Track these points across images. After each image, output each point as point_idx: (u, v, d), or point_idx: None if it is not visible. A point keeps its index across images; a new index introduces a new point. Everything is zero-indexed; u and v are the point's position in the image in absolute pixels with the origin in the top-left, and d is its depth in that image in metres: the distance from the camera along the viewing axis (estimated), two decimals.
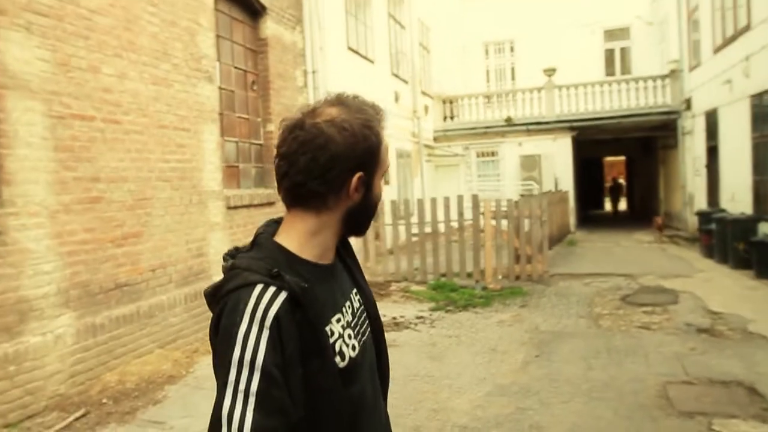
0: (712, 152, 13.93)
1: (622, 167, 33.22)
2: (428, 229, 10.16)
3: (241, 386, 1.04)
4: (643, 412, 4.52)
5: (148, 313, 5.94)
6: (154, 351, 5.94)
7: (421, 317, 7.73)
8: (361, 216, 1.26)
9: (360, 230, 1.30)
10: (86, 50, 5.37)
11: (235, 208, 7.52)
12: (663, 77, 16.95)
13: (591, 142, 21.77)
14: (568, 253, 13.70)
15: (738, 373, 5.24)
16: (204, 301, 7.66)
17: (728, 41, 12.39)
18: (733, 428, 4.19)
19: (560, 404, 4.74)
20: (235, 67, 7.99)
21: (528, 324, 7.30)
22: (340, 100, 1.21)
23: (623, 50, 20.09)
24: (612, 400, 4.78)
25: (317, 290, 1.17)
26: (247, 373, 1.04)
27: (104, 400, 4.96)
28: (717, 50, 13.17)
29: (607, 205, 30.56)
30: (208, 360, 6.04)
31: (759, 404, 4.58)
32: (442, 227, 10.17)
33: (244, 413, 1.02)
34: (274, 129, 8.63)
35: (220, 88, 7.52)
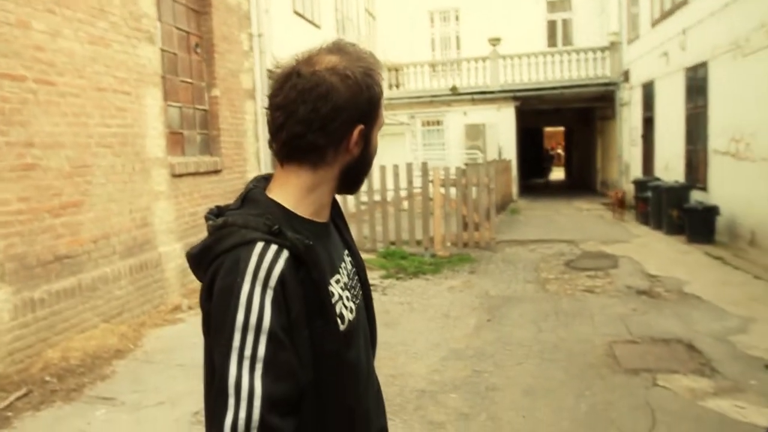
0: (648, 123, 14.45)
1: (562, 137, 34.11)
2: (377, 198, 10.14)
3: (247, 352, 0.99)
4: (592, 371, 4.70)
5: (90, 286, 5.68)
6: (99, 325, 5.71)
7: (372, 285, 7.66)
8: (358, 172, 1.21)
9: (355, 187, 1.25)
10: (14, 3, 4.96)
11: (180, 176, 7.25)
12: (603, 49, 17.36)
13: (533, 113, 22.20)
14: (512, 221, 14.01)
15: (677, 332, 5.52)
16: (149, 272, 7.38)
17: (666, 15, 12.77)
18: (675, 382, 4.42)
19: (514, 366, 4.87)
20: (178, 28, 7.62)
21: (478, 290, 7.44)
22: (338, 47, 1.14)
23: (565, 22, 20.40)
24: (562, 360, 4.94)
25: (319, 248, 1.11)
26: (252, 338, 0.99)
27: (47, 378, 4.73)
28: (655, 23, 13.56)
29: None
30: (157, 333, 5.88)
31: (697, 360, 4.85)
32: (390, 195, 10.17)
33: (252, 381, 0.97)
34: (220, 94, 8.33)
35: (162, 50, 7.15)
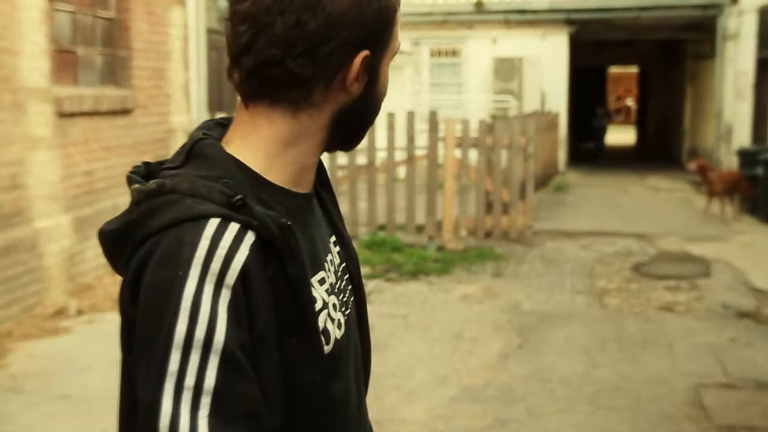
0: (765, 67, 14.48)
1: (633, 83, 34.29)
2: (361, 160, 10.13)
3: (189, 380, 0.97)
4: (669, 426, 4.75)
5: None
6: None
7: None
8: (359, 120, 1.22)
9: (352, 141, 1.26)
10: None
11: (72, 115, 7.21)
12: None
13: (593, 45, 22.23)
14: (557, 201, 14.05)
15: None
16: (20, 259, 7.36)
17: None
18: None
19: (555, 414, 4.91)
20: None
21: (505, 301, 7.49)
22: None
23: None
24: (626, 409, 5.00)
25: (298, 232, 1.10)
26: (198, 360, 0.98)
27: None
28: None
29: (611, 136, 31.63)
30: (30, 349, 5.85)
31: None
32: (381, 158, 10.20)
33: (195, 423, 0.96)
34: None
35: None
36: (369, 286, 7.92)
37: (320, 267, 1.19)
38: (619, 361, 5.84)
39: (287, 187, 1.16)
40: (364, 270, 8.47)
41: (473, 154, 10.25)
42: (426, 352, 6.03)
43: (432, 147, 9.82)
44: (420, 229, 9.93)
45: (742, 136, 15.37)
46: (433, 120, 9.80)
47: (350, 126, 1.20)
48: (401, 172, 10.98)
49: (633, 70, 32.96)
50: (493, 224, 10.13)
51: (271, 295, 1.05)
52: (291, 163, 1.16)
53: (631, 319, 6.92)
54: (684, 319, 6.96)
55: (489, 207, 10.21)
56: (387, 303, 7.39)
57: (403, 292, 7.80)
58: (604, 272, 8.70)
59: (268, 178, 1.14)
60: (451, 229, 9.82)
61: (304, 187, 1.20)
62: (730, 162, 15.28)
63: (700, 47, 19.51)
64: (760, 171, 11.96)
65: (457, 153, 9.95)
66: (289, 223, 1.07)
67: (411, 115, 9.87)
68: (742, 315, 7.05)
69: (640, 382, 5.43)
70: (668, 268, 8.93)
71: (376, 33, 1.15)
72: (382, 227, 9.98)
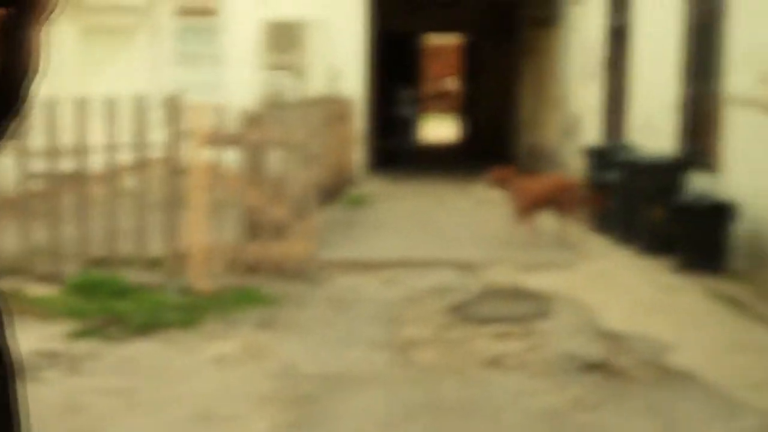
0: (618, 38, 15.44)
1: (455, 58, 35.36)
2: (67, 166, 9.85)
3: None
4: None
5: None
6: None
7: (50, 353, 7.55)
8: None
9: None
10: None
11: None
12: None
13: (403, 6, 22.77)
14: (351, 221, 14.28)
15: None
16: None
17: None
18: None
19: None
20: None
21: (275, 362, 7.51)
22: None
23: None
24: None
25: None
26: None
27: None
28: None
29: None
30: None
31: None
32: (98, 163, 9.94)
33: None
34: None
35: None
36: (76, 349, 7.73)
37: None
38: None
39: None
40: (70, 326, 8.25)
41: (233, 156, 10.18)
42: None
43: (172, 146, 9.69)
44: (155, 263, 9.79)
45: (593, 130, 16.25)
46: (172, 107, 9.70)
47: None
48: (128, 182, 10.75)
49: (457, 40, 33.82)
50: (261, 254, 10.12)
51: None
52: None
53: (449, 380, 7.09)
54: (516, 376, 7.23)
55: (256, 230, 10.20)
56: (105, 373, 7.20)
57: (129, 355, 7.63)
58: (413, 317, 8.89)
59: None
60: (201, 262, 9.73)
61: None
62: (577, 164, 16.12)
63: (540, 11, 20.48)
64: (614, 175, 12.69)
65: (209, 154, 9.86)
66: None
67: (140, 101, 9.68)
68: (590, 367, 7.41)
69: None
70: (497, 308, 9.30)
71: None
72: (98, 261, 9.75)
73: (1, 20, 1.14)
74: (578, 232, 12.87)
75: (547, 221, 12.90)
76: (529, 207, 12.65)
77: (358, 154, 18.92)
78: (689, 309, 9.31)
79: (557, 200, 12.62)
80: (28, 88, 1.25)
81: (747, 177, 10.82)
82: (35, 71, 1.24)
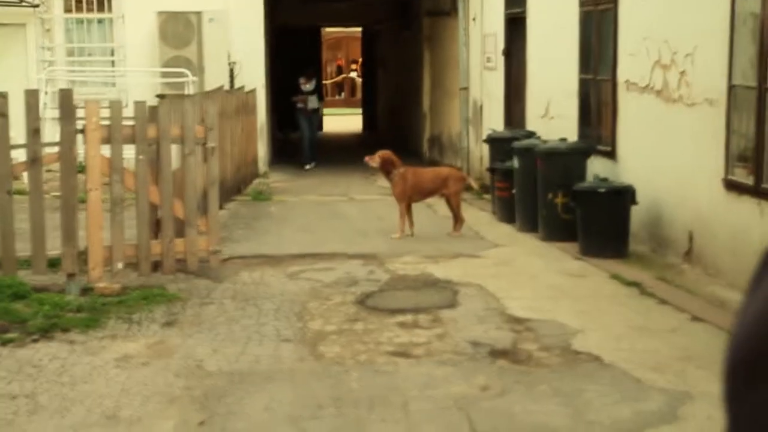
0: (515, 27, 15.60)
1: (358, 49, 35.48)
2: None
3: None
4: None
5: None
6: None
7: None
8: None
9: None
10: None
11: None
12: None
13: None
14: (255, 214, 14.27)
15: (560, 427, 6.01)
16: None
17: None
18: None
19: None
20: None
21: (181, 360, 7.45)
22: None
23: None
24: None
25: None
26: None
27: None
28: None
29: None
30: None
31: None
32: None
33: None
34: None
35: None
36: None
37: None
38: (340, 431, 5.98)
39: None
40: None
41: (130, 152, 10.01)
42: None
43: (67, 142, 9.48)
44: (54, 263, 9.60)
45: (495, 118, 16.40)
46: (66, 102, 9.50)
47: None
48: (23, 180, 10.53)
49: (356, 30, 33.99)
50: (164, 251, 10.01)
51: None
52: None
53: (355, 372, 7.10)
54: (423, 365, 7.26)
55: (157, 228, 10.10)
56: (3, 377, 7.02)
57: (29, 358, 7.44)
58: (319, 310, 8.88)
59: None
60: (101, 261, 9.58)
61: None
62: (480, 154, 16.28)
63: (439, 0, 20.60)
64: (515, 164, 12.82)
65: (106, 150, 9.70)
66: None
67: (31, 95, 9.46)
68: (496, 354, 7.50)
69: None
70: (403, 298, 9.34)
71: None
72: None
73: None
74: (484, 220, 12.98)
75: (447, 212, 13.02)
76: (419, 193, 12.83)
77: (261, 147, 18.88)
78: (593, 293, 9.48)
79: (439, 190, 12.82)
80: None
81: (640, 161, 11.05)
82: None
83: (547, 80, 14.12)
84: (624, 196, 10.88)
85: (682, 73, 10.13)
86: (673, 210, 10.36)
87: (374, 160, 12.93)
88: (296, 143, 23.44)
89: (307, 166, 21.13)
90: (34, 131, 9.37)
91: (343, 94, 39.60)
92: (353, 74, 38.91)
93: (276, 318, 8.64)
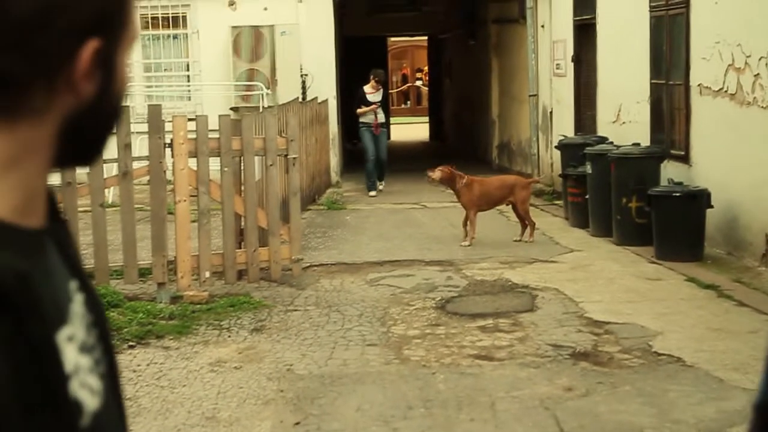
0: (585, 34, 15.63)
1: (424, 58, 35.41)
2: (52, 180, 9.82)
3: None
4: None
5: None
6: None
7: None
8: (94, 126, 1.28)
9: (91, 154, 1.32)
10: None
11: None
12: None
13: (367, 9, 22.84)
14: (331, 223, 14.38)
15: (646, 426, 6.11)
16: None
17: None
18: None
19: None
20: None
21: (272, 364, 7.58)
22: None
23: None
24: None
25: (37, 279, 1.14)
26: None
27: None
28: None
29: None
30: None
31: None
32: (82, 175, 9.90)
33: None
34: None
35: None
36: None
37: (65, 320, 1.21)
38: (431, 430, 6.10)
39: (14, 221, 1.17)
40: None
41: (215, 165, 10.14)
42: None
43: (156, 156, 9.72)
44: (145, 273, 9.81)
45: (564, 124, 16.42)
46: (155, 117, 9.71)
47: (85, 135, 1.26)
48: (113, 193, 10.74)
49: (422, 39, 33.93)
50: (248, 260, 10.14)
51: (8, 362, 1.07)
52: (14, 188, 1.18)
53: (441, 374, 7.20)
54: (507, 367, 7.37)
55: (242, 237, 10.26)
56: None
57: (127, 364, 7.61)
58: (401, 315, 9.00)
59: None
60: (189, 270, 9.75)
61: (36, 219, 1.22)
62: (550, 160, 16.28)
63: (506, 7, 20.61)
64: (588, 169, 12.87)
65: (193, 164, 9.89)
66: (24, 268, 1.10)
67: (125, 112, 9.66)
68: (578, 356, 7.59)
69: None
70: (483, 303, 9.44)
71: (108, 15, 1.21)
72: (88, 275, 9.65)
73: (98, 50, 1.24)
74: (557, 225, 13.04)
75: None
76: (486, 202, 13.01)
77: (334, 156, 19.07)
78: (670, 296, 9.51)
79: (507, 198, 12.93)
80: (120, 105, 1.34)
81: (717, 165, 11.06)
82: (124, 91, 1.34)
83: (618, 86, 14.15)
84: (699, 199, 10.89)
85: (756, 76, 10.16)
86: (749, 213, 10.38)
87: (435, 174, 13.17)
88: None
89: (372, 193, 18.23)
90: (125, 146, 9.57)
91: (408, 102, 39.62)
92: (418, 83, 38.94)
93: (360, 323, 8.76)
